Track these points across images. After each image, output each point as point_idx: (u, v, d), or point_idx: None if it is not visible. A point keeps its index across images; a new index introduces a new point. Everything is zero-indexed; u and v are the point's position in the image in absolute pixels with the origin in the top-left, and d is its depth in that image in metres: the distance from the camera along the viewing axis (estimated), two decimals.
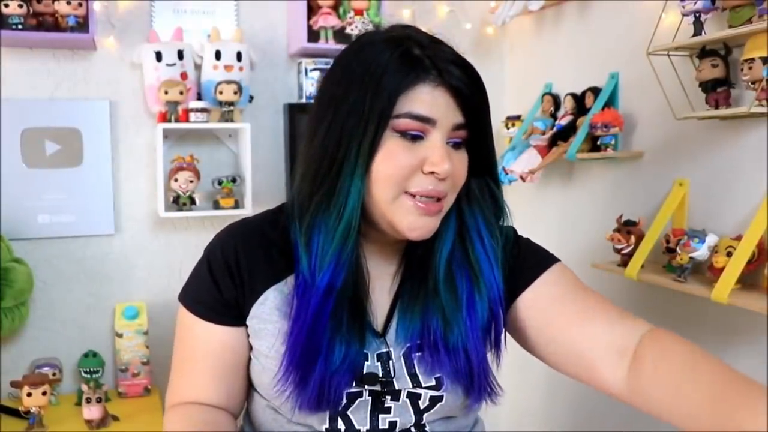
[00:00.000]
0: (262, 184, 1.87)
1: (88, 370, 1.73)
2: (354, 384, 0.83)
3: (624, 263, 1.47)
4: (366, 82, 0.77)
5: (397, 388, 0.84)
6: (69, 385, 1.76)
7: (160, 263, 1.86)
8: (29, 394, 1.49)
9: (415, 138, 0.78)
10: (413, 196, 0.79)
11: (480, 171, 0.87)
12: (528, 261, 0.91)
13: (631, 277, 1.43)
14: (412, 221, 0.79)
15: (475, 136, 0.83)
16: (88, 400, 1.53)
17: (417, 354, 0.85)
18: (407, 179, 0.78)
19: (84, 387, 1.55)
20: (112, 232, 1.81)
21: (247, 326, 0.86)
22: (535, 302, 0.88)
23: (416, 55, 0.78)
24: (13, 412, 1.56)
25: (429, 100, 0.77)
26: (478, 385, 0.85)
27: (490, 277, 0.87)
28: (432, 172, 0.78)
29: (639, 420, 1.62)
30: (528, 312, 0.88)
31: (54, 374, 1.68)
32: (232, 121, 1.76)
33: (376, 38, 0.81)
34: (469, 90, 0.79)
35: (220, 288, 0.85)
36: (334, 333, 0.81)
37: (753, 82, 1.21)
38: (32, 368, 1.72)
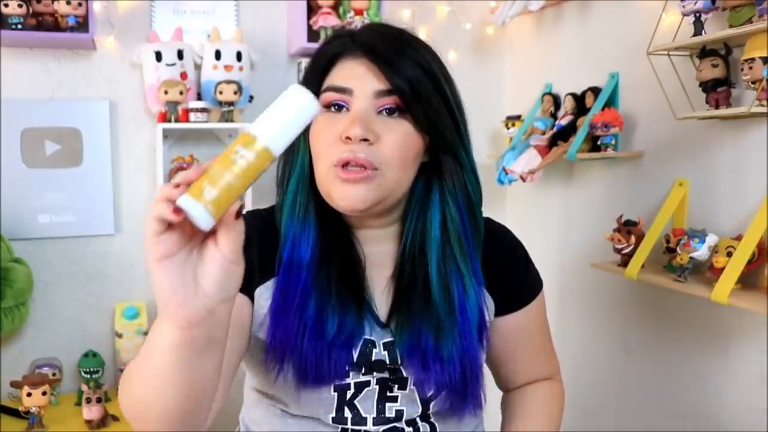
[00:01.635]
0: (262, 184, 1.86)
1: (88, 370, 1.73)
2: (363, 371, 0.84)
3: (624, 263, 1.47)
4: (308, 70, 0.88)
5: (404, 375, 0.85)
6: (69, 385, 1.76)
7: None
8: (29, 394, 1.49)
9: (340, 109, 0.83)
10: (340, 167, 0.81)
11: (444, 149, 0.86)
12: (525, 280, 0.96)
13: (631, 277, 1.42)
14: (340, 190, 0.81)
15: (415, 104, 0.82)
16: (88, 400, 1.53)
17: (422, 341, 0.86)
18: (331, 149, 0.81)
19: (84, 387, 1.55)
20: (112, 232, 1.82)
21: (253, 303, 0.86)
22: (509, 328, 0.95)
23: (348, 39, 0.84)
24: (13, 412, 1.57)
25: (346, 73, 0.83)
26: (471, 394, 0.87)
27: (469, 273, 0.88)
28: (348, 138, 0.80)
29: (638, 420, 1.62)
30: (498, 332, 0.94)
31: (54, 374, 1.69)
32: (232, 121, 1.76)
33: (335, 33, 0.89)
34: (388, 56, 0.81)
35: None
36: (323, 304, 0.83)
37: (753, 82, 1.21)
38: (32, 368, 1.72)
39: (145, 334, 1.72)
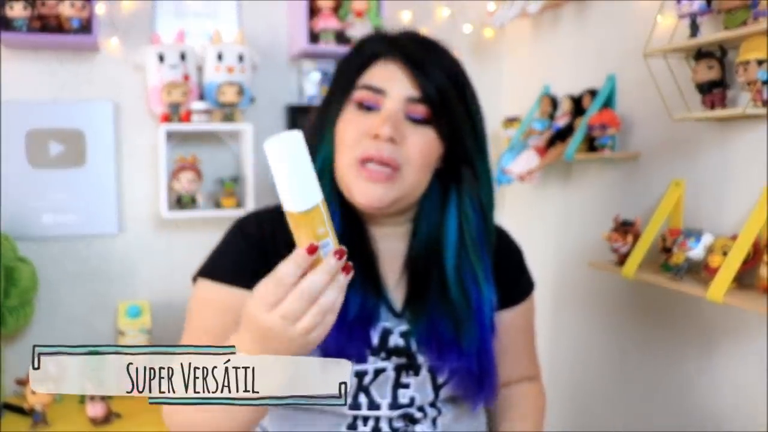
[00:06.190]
0: (263, 184, 1.88)
1: None
2: (382, 356, 0.88)
3: (621, 262, 1.49)
4: (343, 65, 0.92)
5: (419, 361, 0.89)
6: None
7: (163, 262, 1.88)
8: (34, 392, 1.51)
9: (371, 108, 0.86)
10: (363, 164, 0.84)
11: (463, 159, 0.91)
12: (521, 280, 1.01)
13: (627, 276, 1.44)
14: (362, 186, 0.85)
15: (441, 114, 0.87)
16: (92, 398, 1.55)
17: (439, 330, 0.90)
18: (358, 144, 0.85)
19: None
20: (116, 232, 1.83)
21: None
22: (503, 324, 0.97)
23: (382, 40, 0.88)
24: (18, 410, 1.58)
25: (382, 73, 0.86)
26: (488, 384, 0.91)
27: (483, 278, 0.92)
28: (376, 136, 0.83)
29: (635, 419, 1.63)
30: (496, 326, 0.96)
31: None
32: (233, 122, 1.78)
33: (373, 35, 0.92)
34: (424, 64, 0.86)
35: (248, 254, 0.88)
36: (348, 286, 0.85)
37: (748, 84, 1.22)
38: None
39: (149, 332, 1.74)
